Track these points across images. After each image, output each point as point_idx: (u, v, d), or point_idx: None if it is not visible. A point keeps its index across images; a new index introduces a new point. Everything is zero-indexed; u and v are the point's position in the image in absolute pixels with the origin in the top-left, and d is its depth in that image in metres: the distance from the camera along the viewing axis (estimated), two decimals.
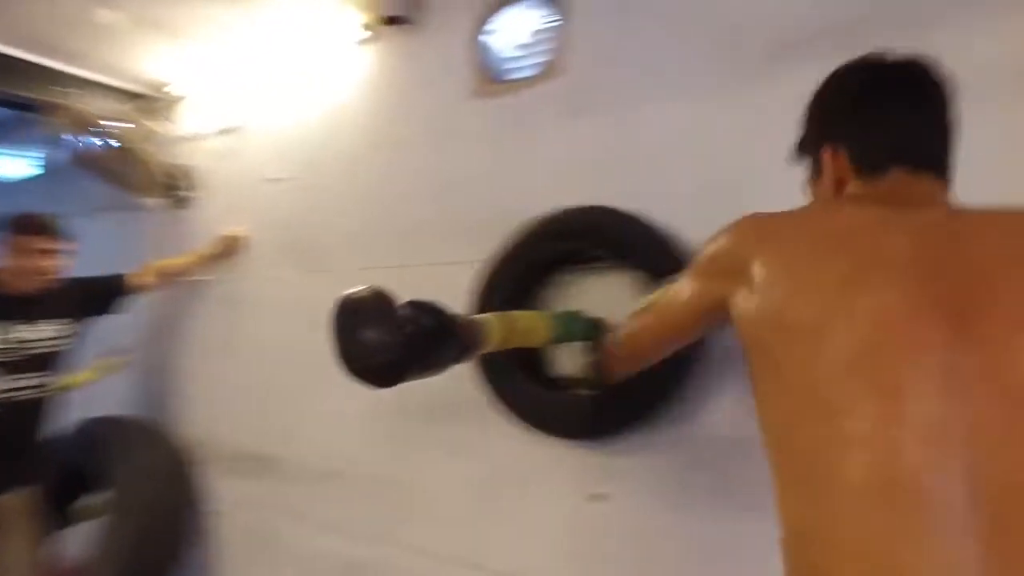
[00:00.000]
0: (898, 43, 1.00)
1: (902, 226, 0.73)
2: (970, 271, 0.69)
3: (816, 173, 0.88)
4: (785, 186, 1.21)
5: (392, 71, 1.91)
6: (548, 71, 1.60)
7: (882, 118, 0.81)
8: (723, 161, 1.34)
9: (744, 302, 0.78)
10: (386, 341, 0.93)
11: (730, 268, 0.81)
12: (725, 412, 1.29)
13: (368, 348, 0.94)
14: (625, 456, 1.39)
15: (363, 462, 1.84)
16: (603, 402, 1.30)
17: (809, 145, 0.89)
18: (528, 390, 1.40)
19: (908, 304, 0.68)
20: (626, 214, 1.31)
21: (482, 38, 1.72)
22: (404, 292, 1.52)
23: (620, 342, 1.10)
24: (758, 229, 0.81)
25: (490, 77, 1.71)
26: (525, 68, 1.67)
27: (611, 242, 1.31)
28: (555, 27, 1.61)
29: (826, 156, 0.85)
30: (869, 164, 0.81)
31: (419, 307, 1.00)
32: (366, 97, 1.95)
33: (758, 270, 0.76)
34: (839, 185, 0.84)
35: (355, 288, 1.02)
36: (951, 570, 0.61)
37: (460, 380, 1.56)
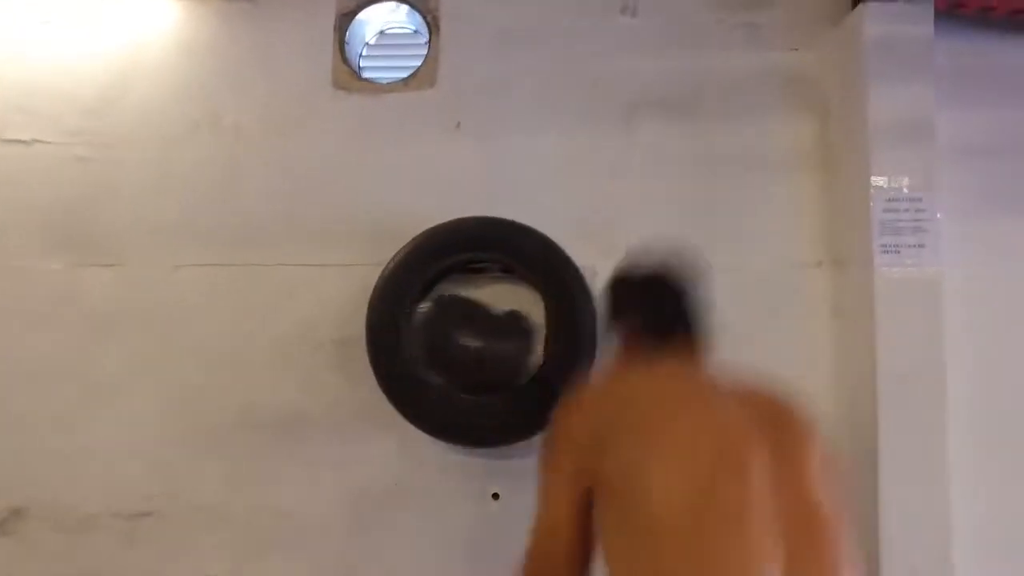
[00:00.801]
0: (711, 119, 1.47)
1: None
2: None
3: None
4: (644, 220, 1.57)
5: (230, 39, 1.66)
6: (418, 80, 1.64)
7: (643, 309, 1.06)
8: (586, 194, 1.61)
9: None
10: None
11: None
12: None
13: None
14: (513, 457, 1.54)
15: (190, 494, 1.60)
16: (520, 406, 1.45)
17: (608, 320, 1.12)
18: (442, 396, 1.46)
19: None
20: (528, 227, 1.47)
21: (345, 26, 1.65)
22: (237, 295, 1.43)
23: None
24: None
25: (353, 71, 1.66)
26: (391, 70, 1.67)
27: (517, 254, 1.46)
28: (425, 37, 1.66)
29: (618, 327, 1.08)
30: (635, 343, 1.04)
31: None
32: (190, 66, 1.67)
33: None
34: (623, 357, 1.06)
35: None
36: None
37: (315, 386, 1.53)
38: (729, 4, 1.64)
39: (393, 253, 1.54)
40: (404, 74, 1.66)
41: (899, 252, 1.43)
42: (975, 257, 1.50)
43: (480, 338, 0.98)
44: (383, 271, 1.50)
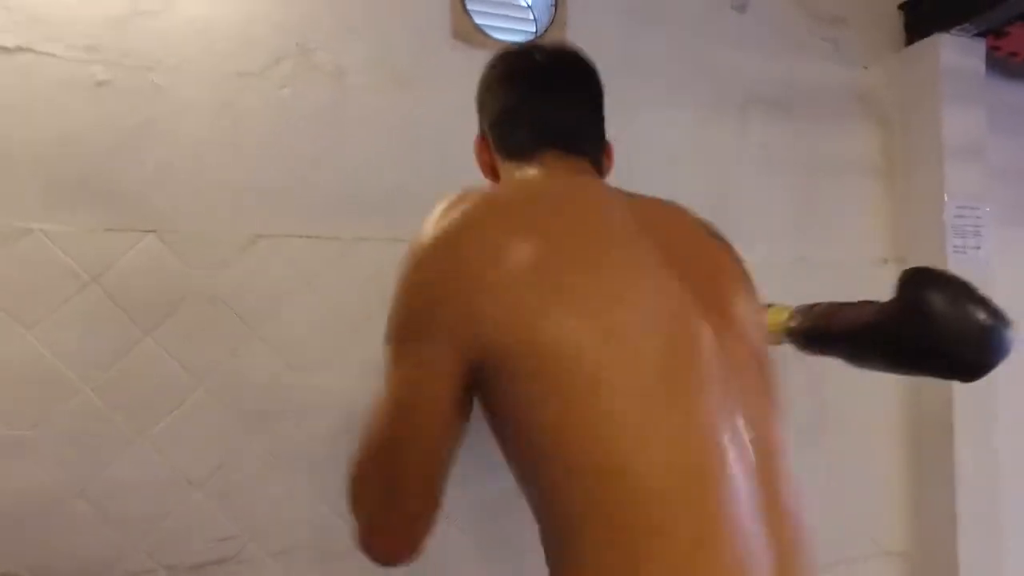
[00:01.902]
0: (800, 122, 1.61)
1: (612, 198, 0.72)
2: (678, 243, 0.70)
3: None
4: (750, 213, 1.61)
5: None
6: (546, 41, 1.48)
7: (530, 103, 0.81)
8: (704, 183, 1.60)
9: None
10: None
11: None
12: None
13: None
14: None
15: (271, 536, 1.24)
16: None
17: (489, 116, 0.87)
18: None
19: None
20: None
21: None
22: (336, 275, 1.27)
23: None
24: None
25: (473, 22, 1.44)
26: (513, 31, 1.49)
27: None
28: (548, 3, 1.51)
29: (477, 142, 0.87)
30: (517, 149, 0.80)
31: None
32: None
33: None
34: (492, 171, 0.86)
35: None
36: (746, 537, 0.56)
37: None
38: (817, 16, 1.75)
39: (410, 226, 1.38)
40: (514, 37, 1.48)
41: (966, 253, 1.66)
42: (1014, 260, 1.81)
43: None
44: None
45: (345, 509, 0.72)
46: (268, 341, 1.25)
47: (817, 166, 1.73)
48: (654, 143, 1.56)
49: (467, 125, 1.40)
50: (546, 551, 0.60)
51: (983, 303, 0.72)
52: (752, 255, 1.53)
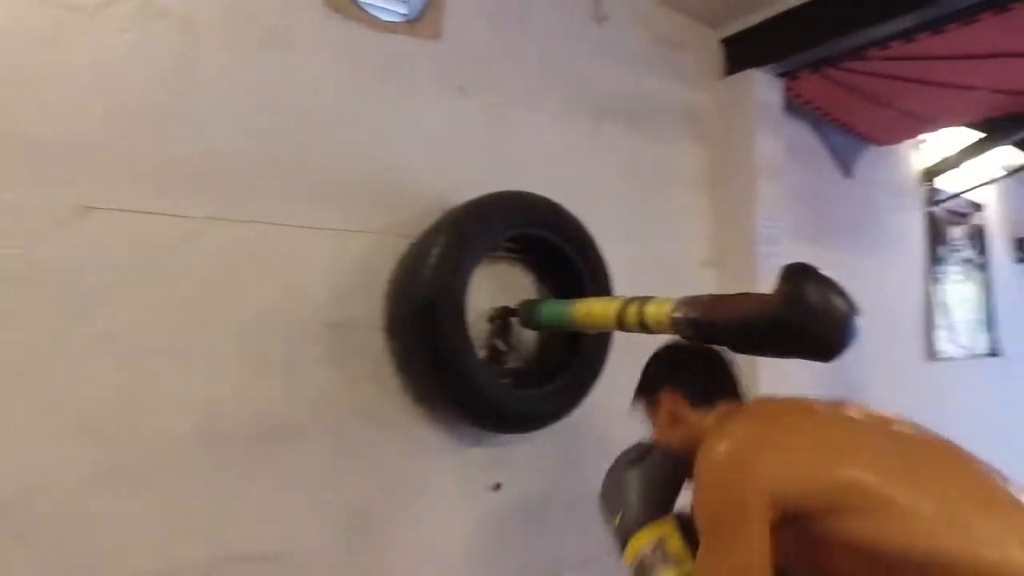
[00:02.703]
0: (643, 133, 1.79)
1: None
2: None
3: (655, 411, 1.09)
4: (601, 214, 1.74)
5: None
6: (422, 28, 1.44)
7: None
8: (565, 181, 1.67)
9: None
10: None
11: None
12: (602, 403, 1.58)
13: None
14: (515, 444, 1.50)
15: (116, 549, 1.03)
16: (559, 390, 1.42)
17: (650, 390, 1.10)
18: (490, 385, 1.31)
19: None
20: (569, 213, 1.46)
21: None
22: (187, 258, 1.15)
23: None
24: None
25: None
26: (392, 6, 1.41)
27: (573, 239, 1.44)
28: None
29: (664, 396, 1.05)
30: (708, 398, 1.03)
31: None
32: None
33: None
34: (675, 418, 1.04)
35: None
36: None
37: (300, 383, 1.22)
38: (661, 38, 1.93)
39: (393, 221, 1.36)
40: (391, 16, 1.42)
41: (770, 259, 1.95)
42: None
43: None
44: (428, 239, 1.28)
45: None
46: (97, 332, 1.04)
47: (656, 176, 1.91)
48: (516, 140, 1.59)
49: (338, 98, 1.32)
50: None
51: (843, 295, 0.86)
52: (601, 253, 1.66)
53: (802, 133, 2.40)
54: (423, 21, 1.45)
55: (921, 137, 3.09)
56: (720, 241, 2.03)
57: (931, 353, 3.19)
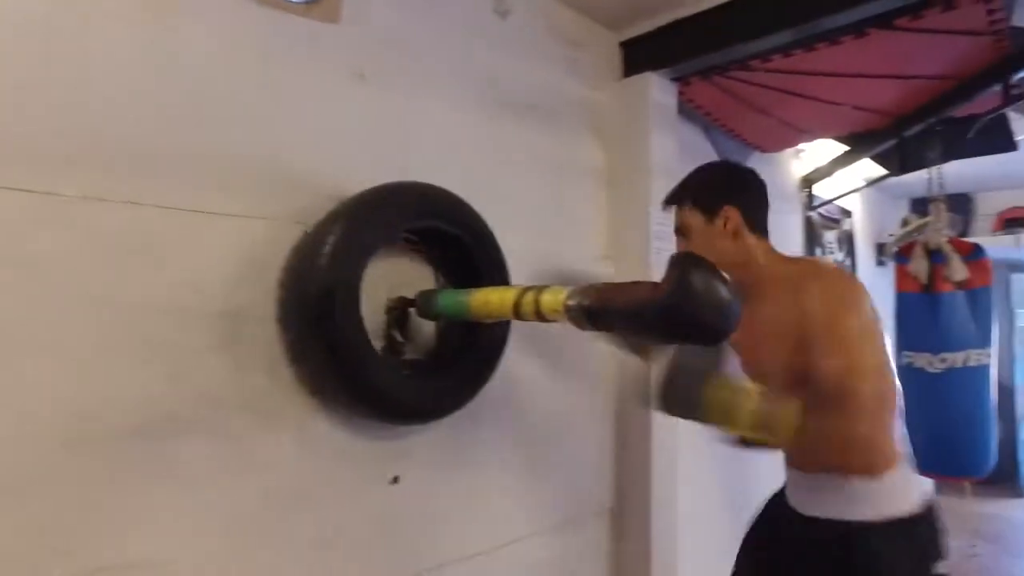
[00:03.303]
0: (544, 129, 1.85)
1: None
2: None
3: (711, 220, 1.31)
4: (507, 205, 1.77)
5: None
6: (321, 10, 1.40)
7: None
8: (468, 171, 1.68)
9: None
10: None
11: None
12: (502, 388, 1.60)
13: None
14: (412, 436, 1.49)
15: None
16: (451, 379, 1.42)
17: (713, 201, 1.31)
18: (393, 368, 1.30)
19: None
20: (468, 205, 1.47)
21: None
22: (64, 242, 1.10)
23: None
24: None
25: None
26: None
27: (465, 229, 1.44)
28: None
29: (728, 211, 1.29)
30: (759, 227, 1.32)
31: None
32: None
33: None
34: (735, 235, 1.29)
35: None
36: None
37: (187, 375, 1.16)
38: (563, 35, 1.98)
39: (288, 208, 1.32)
40: None
41: (661, 254, 2.05)
42: None
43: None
44: (324, 228, 1.25)
45: None
46: None
47: (556, 171, 1.96)
48: (417, 129, 1.58)
49: (230, 78, 1.25)
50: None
51: (726, 283, 0.92)
52: (506, 241, 1.69)
53: (694, 137, 2.53)
54: (322, 3, 1.40)
55: (800, 147, 3.36)
56: (616, 236, 2.11)
57: None
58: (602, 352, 2.01)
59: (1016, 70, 1.98)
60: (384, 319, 1.45)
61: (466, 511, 1.62)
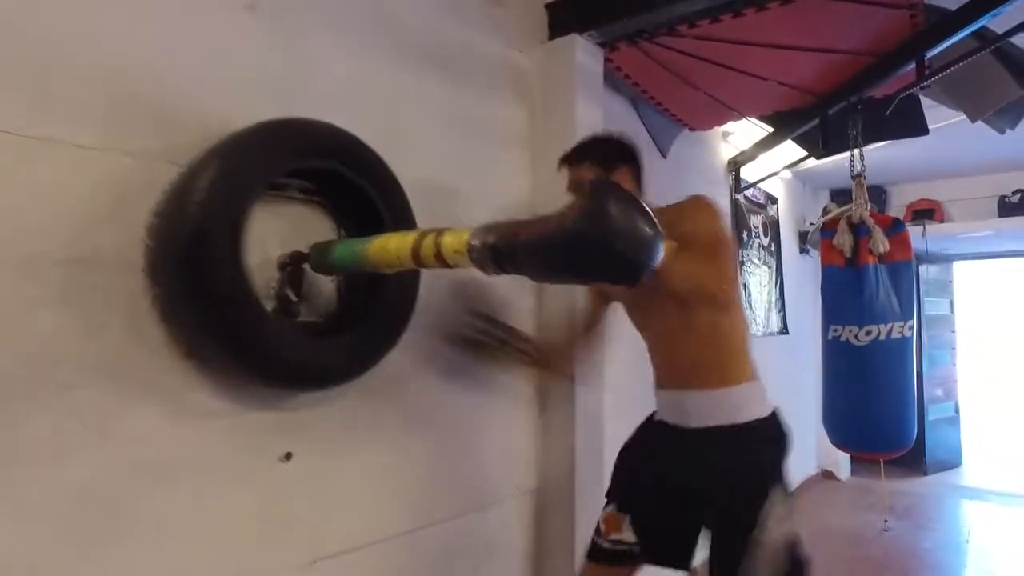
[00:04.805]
0: (466, 87, 1.75)
1: None
2: None
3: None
4: (417, 160, 1.65)
5: None
6: None
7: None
8: (376, 121, 1.54)
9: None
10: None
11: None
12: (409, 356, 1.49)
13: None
14: (308, 408, 1.35)
15: None
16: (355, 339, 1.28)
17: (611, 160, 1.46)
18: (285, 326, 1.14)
19: None
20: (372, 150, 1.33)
21: None
22: None
23: None
24: None
25: None
26: None
27: (366, 174, 1.30)
28: None
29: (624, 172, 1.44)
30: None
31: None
32: None
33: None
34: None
35: None
36: None
37: (22, 334, 0.98)
38: None
39: (161, 145, 1.16)
40: None
41: None
42: None
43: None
44: (199, 166, 1.09)
45: None
46: None
47: (476, 132, 1.85)
48: (315, 73, 1.42)
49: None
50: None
51: (647, 216, 0.83)
52: (416, 206, 1.57)
53: (623, 110, 2.48)
54: None
55: (728, 129, 3.38)
56: (537, 202, 2.01)
57: None
58: (526, 327, 1.92)
59: (929, 47, 2.01)
60: (277, 277, 1.30)
61: (372, 491, 1.48)
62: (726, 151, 3.43)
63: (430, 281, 1.54)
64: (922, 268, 5.05)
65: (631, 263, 0.82)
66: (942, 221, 4.48)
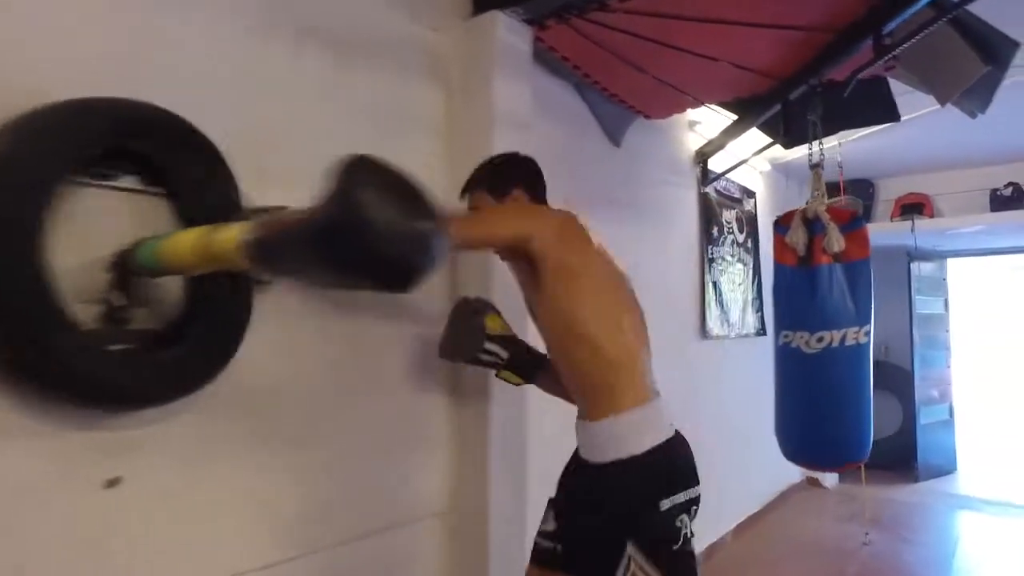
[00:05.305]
0: (365, 69, 1.59)
1: None
2: None
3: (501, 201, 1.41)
4: (301, 151, 1.48)
5: None
6: None
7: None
8: (246, 105, 1.38)
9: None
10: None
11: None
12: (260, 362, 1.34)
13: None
14: (143, 427, 1.18)
15: None
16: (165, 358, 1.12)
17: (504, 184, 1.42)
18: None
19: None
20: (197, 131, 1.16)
21: None
22: None
23: None
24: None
25: None
26: None
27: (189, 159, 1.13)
28: None
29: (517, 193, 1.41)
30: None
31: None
32: None
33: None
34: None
35: None
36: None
37: None
38: None
39: None
40: None
41: None
42: None
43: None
44: None
45: None
46: None
47: (382, 116, 1.67)
48: (168, 39, 1.25)
49: None
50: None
51: (417, 199, 0.66)
52: (300, 205, 1.40)
53: (567, 97, 2.31)
54: None
55: (694, 119, 3.19)
56: (455, 198, 1.84)
57: (703, 332, 3.32)
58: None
59: (886, 22, 1.81)
60: (106, 279, 1.13)
61: (234, 518, 1.32)
62: (693, 141, 3.24)
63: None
64: (914, 265, 4.84)
65: (395, 263, 0.65)
66: (932, 216, 4.26)
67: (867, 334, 1.96)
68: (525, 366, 1.49)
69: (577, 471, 1.31)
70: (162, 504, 1.21)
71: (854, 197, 4.20)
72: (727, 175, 3.42)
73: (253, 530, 1.36)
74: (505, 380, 1.52)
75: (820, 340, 1.95)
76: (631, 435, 1.20)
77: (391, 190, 0.64)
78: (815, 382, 1.97)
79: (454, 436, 1.80)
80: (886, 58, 1.88)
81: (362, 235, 0.62)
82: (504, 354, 1.44)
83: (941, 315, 5.15)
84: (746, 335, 3.76)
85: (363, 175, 0.64)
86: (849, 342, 1.94)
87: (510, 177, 1.44)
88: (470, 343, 1.42)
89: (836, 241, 1.99)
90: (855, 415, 1.94)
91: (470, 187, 1.48)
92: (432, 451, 1.77)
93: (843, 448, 1.98)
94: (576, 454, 1.33)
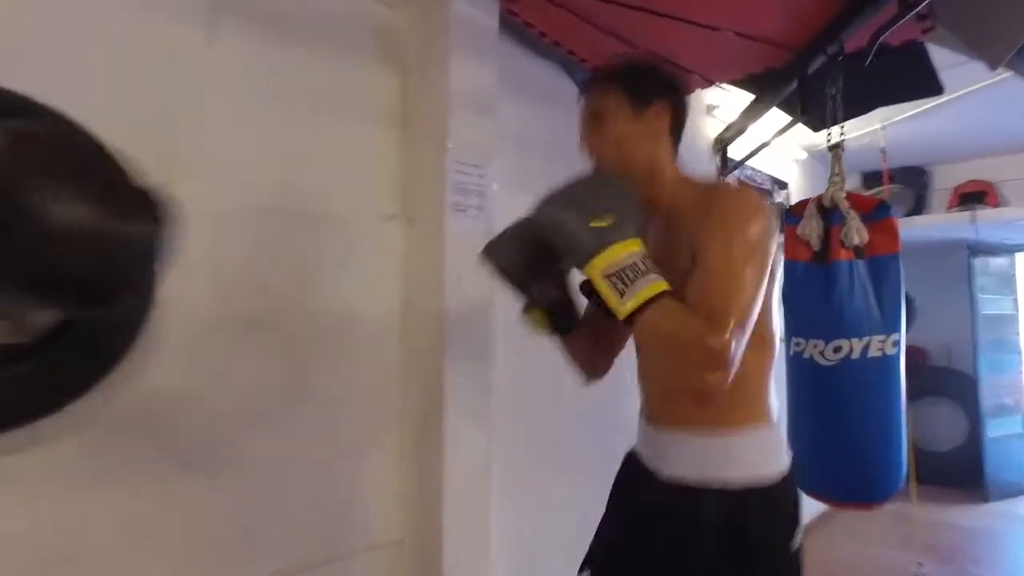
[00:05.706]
0: (300, 48, 1.41)
1: None
2: None
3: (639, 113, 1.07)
4: (217, 146, 1.32)
5: None
6: None
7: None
8: (148, 99, 1.23)
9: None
10: None
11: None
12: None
13: None
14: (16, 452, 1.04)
15: None
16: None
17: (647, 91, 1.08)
18: None
19: None
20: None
21: None
22: None
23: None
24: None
25: None
26: None
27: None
28: None
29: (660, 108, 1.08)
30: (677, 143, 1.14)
31: None
32: None
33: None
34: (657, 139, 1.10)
35: None
36: None
37: None
38: None
39: None
40: None
41: (466, 212, 1.60)
42: None
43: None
44: None
45: None
46: None
47: (319, 102, 1.50)
48: (62, 24, 1.12)
49: None
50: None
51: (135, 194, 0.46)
52: (218, 200, 1.25)
53: (554, 78, 2.09)
54: None
55: (714, 101, 2.91)
56: (409, 190, 1.65)
57: None
58: (385, 339, 1.57)
59: None
60: None
61: (126, 553, 1.16)
62: (712, 127, 2.95)
63: (241, 277, 1.22)
64: (977, 261, 4.36)
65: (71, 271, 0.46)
66: (995, 205, 3.80)
67: (896, 344, 1.65)
68: (569, 317, 1.16)
69: (681, 497, 1.06)
70: (40, 537, 1.07)
71: (902, 186, 3.80)
72: (752, 164, 3.12)
73: (149, 566, 1.20)
74: (530, 323, 1.15)
75: (837, 350, 1.65)
76: (780, 452, 1.09)
77: (50, 173, 0.46)
78: (831, 400, 1.67)
79: (404, 455, 1.61)
80: (915, 12, 1.58)
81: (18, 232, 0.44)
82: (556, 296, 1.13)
83: (1011, 316, 4.63)
84: (780, 339, 3.42)
85: (32, 157, 0.46)
86: (873, 353, 1.64)
87: (657, 83, 1.11)
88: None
89: (856, 232, 1.69)
90: (878, 441, 1.63)
91: (599, 83, 1.13)
92: (381, 472, 1.59)
93: (859, 484, 1.68)
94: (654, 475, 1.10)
